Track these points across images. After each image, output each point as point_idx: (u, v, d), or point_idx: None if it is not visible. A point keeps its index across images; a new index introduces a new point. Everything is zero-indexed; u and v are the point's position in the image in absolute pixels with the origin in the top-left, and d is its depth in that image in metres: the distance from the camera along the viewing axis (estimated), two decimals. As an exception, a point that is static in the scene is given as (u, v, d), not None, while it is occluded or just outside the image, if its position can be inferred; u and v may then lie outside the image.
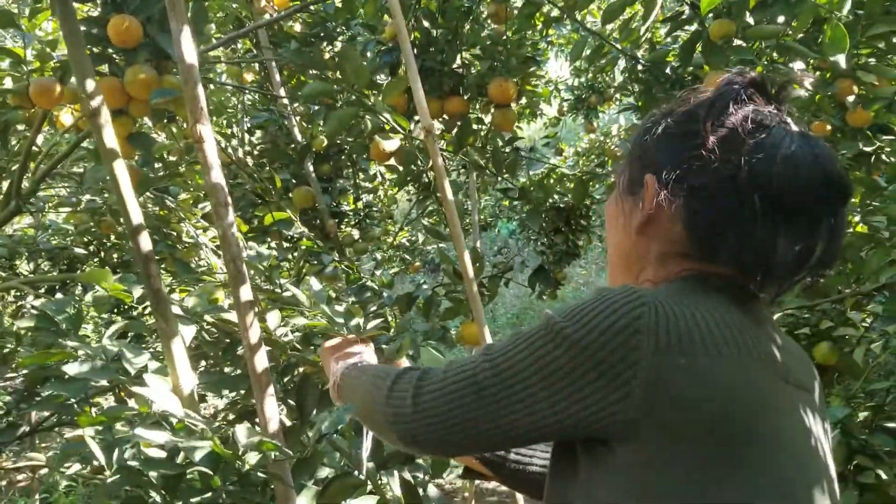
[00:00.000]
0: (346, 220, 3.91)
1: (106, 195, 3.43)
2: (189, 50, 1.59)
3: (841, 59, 1.73)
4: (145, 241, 1.44)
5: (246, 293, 1.61)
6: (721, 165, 0.96)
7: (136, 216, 1.45)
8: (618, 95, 4.89)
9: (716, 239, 0.97)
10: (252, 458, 1.33)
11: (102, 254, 3.68)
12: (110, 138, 1.43)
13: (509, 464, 1.40)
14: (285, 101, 3.43)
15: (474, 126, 2.65)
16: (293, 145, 3.27)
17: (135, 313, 2.97)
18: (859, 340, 2.30)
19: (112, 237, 3.54)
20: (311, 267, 3.33)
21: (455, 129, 2.64)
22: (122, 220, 3.23)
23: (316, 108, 3.01)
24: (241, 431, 1.45)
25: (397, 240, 5.03)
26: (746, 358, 0.90)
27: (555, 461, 1.03)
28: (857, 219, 2.57)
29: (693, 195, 0.98)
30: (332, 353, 1.53)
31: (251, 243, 2.71)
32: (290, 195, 3.26)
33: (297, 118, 3.51)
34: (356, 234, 3.90)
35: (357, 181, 3.87)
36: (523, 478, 1.43)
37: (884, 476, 1.96)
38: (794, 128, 1.00)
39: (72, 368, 1.49)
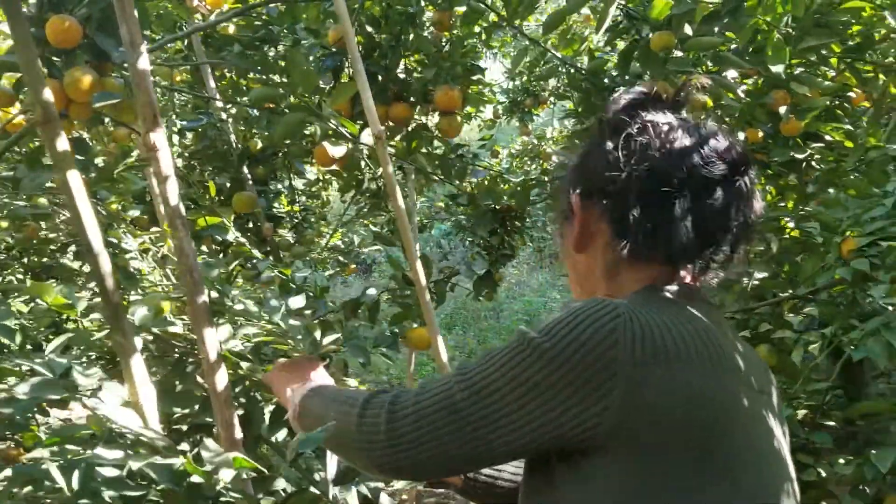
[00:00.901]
0: (281, 223, 3.85)
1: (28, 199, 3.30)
2: (141, 55, 1.54)
3: (780, 70, 1.83)
4: (103, 257, 1.39)
5: (203, 305, 1.56)
6: (624, 165, 1.03)
7: (93, 230, 1.39)
8: (552, 99, 4.98)
9: (636, 230, 1.03)
10: (226, 475, 1.29)
11: (25, 259, 3.53)
12: (64, 147, 1.37)
13: (481, 478, 1.41)
14: (219, 103, 3.36)
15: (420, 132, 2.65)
16: (231, 149, 3.21)
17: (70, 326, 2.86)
18: (796, 342, 2.39)
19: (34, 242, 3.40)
20: (244, 272, 3.26)
21: (404, 136, 2.64)
22: (42, 224, 3.13)
23: (255, 111, 2.96)
24: (207, 448, 1.41)
25: (331, 241, 4.98)
26: (717, 365, 0.93)
27: (530, 471, 1.03)
28: (791, 224, 2.67)
29: (608, 197, 1.05)
30: (284, 377, 1.50)
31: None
32: (228, 199, 3.19)
33: (231, 120, 3.44)
34: (291, 237, 3.85)
35: (293, 184, 3.82)
36: (492, 492, 1.43)
37: (823, 473, 2.04)
38: (689, 122, 1.09)
39: (22, 388, 1.43)
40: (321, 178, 4.24)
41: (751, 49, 2.95)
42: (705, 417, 0.89)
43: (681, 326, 0.92)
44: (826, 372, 2.32)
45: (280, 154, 3.53)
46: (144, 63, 1.54)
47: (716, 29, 2.69)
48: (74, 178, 1.36)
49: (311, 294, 2.67)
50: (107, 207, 2.95)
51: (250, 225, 3.64)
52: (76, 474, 1.27)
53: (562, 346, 0.89)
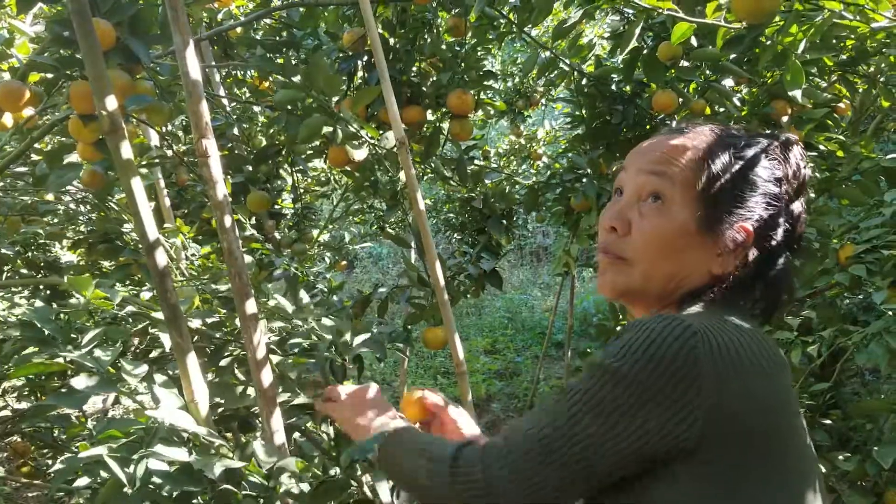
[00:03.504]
0: (284, 221, 3.90)
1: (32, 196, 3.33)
2: (193, 65, 1.59)
3: (798, 94, 1.90)
4: (161, 257, 1.44)
5: (251, 307, 1.62)
6: (784, 218, 1.12)
7: (152, 232, 1.44)
8: (543, 100, 5.06)
9: (770, 273, 1.12)
10: (286, 479, 1.33)
11: (29, 254, 3.55)
12: (128, 155, 1.42)
13: None
14: (225, 101, 3.40)
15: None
16: (250, 148, 3.25)
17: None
18: (793, 343, 2.49)
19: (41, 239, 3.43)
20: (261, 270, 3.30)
21: (418, 139, 2.70)
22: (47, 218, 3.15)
23: (259, 109, 2.98)
24: (259, 448, 1.46)
25: (320, 237, 5.05)
26: (778, 373, 0.99)
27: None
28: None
29: (767, 242, 1.11)
30: (350, 412, 1.50)
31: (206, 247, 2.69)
32: (239, 198, 3.23)
33: (235, 118, 3.48)
34: (293, 235, 3.90)
35: (296, 182, 3.87)
36: None
37: (824, 469, 2.15)
38: None
39: (78, 382, 1.46)
40: (331, 177, 4.27)
41: (745, 59, 3.07)
42: (774, 424, 0.96)
43: (742, 337, 0.98)
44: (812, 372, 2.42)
45: (283, 152, 3.58)
46: (196, 72, 1.59)
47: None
48: (137, 184, 1.42)
49: (325, 290, 2.74)
50: (120, 203, 3.00)
51: (252, 221, 3.69)
52: (140, 468, 1.31)
53: (641, 367, 0.93)
